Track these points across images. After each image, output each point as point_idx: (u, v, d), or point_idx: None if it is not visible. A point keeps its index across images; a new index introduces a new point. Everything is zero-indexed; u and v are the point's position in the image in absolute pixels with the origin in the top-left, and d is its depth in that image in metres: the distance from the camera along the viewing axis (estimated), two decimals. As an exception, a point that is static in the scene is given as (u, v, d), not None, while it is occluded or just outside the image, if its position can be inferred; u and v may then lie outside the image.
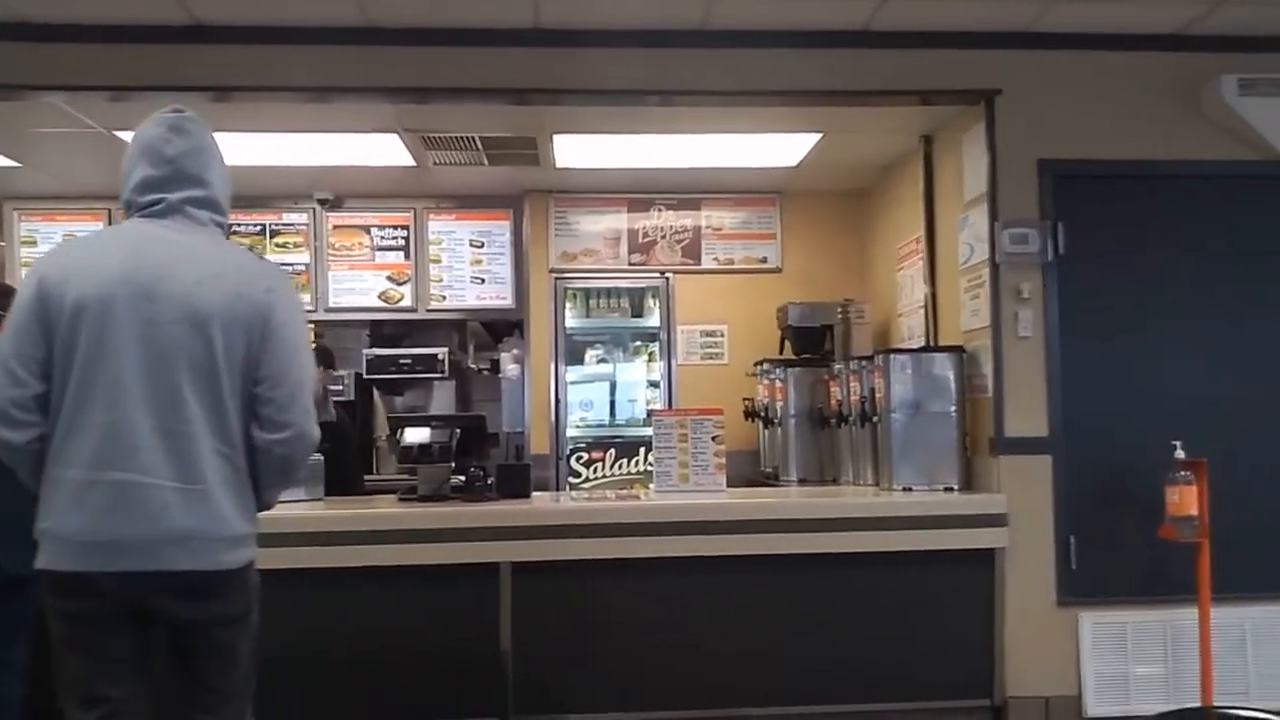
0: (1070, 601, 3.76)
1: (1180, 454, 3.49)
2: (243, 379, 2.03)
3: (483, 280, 5.53)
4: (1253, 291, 3.90)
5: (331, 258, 5.48)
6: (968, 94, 3.90)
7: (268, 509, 2.16)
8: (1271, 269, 3.91)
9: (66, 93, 3.69)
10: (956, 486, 3.85)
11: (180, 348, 1.97)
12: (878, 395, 4.00)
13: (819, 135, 4.54)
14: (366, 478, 5.46)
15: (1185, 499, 3.45)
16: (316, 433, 2.11)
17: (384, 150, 4.60)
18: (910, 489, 3.85)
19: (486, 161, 4.84)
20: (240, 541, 2.04)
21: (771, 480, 4.85)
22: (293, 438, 2.06)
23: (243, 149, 4.55)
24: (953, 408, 3.90)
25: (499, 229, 5.56)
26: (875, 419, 4.03)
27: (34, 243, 5.32)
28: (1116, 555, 3.76)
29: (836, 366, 4.49)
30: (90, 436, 1.94)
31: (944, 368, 3.93)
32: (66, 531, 1.94)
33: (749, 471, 5.05)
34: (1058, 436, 3.78)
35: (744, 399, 5.10)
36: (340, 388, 5.37)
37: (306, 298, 5.44)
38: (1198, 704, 3.57)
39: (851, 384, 4.26)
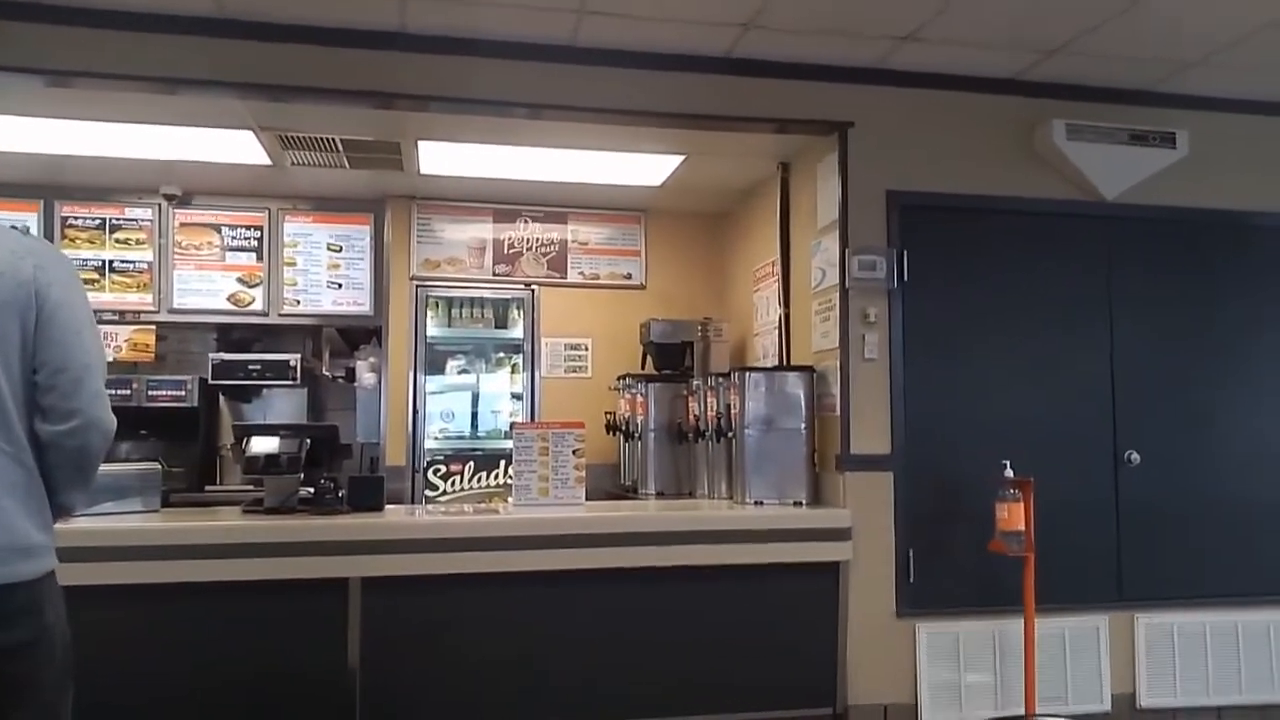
0: (909, 613, 3.93)
1: (1009, 473, 3.71)
2: (21, 368, 1.85)
3: (340, 285, 5.35)
4: (1075, 320, 4.18)
5: (178, 257, 5.19)
6: (822, 124, 4.03)
7: (68, 513, 1.99)
8: (1091, 300, 4.20)
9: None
10: (805, 501, 3.95)
11: None
12: (733, 411, 4.08)
13: (682, 157, 4.61)
14: (209, 488, 5.20)
15: (1013, 515, 3.67)
16: (111, 420, 1.94)
17: (238, 147, 4.41)
18: (762, 503, 3.94)
19: (347, 164, 4.70)
20: (31, 552, 1.84)
21: (631, 494, 4.87)
22: (82, 426, 1.88)
23: (83, 138, 4.28)
24: (803, 425, 4.01)
25: (359, 233, 5.39)
26: (731, 434, 4.10)
27: None
28: (951, 568, 3.94)
29: (695, 383, 4.56)
30: None
31: (796, 386, 4.04)
32: None
33: (609, 485, 5.07)
34: (899, 454, 3.95)
35: (606, 413, 5.12)
36: (183, 393, 5.10)
37: (149, 298, 5.14)
38: (1022, 711, 3.79)
39: (709, 400, 4.32)
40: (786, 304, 4.54)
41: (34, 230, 4.97)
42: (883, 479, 3.93)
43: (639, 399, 4.83)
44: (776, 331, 4.61)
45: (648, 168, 4.80)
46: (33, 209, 5.04)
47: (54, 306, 1.88)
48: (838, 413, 3.95)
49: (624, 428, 4.97)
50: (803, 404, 4.02)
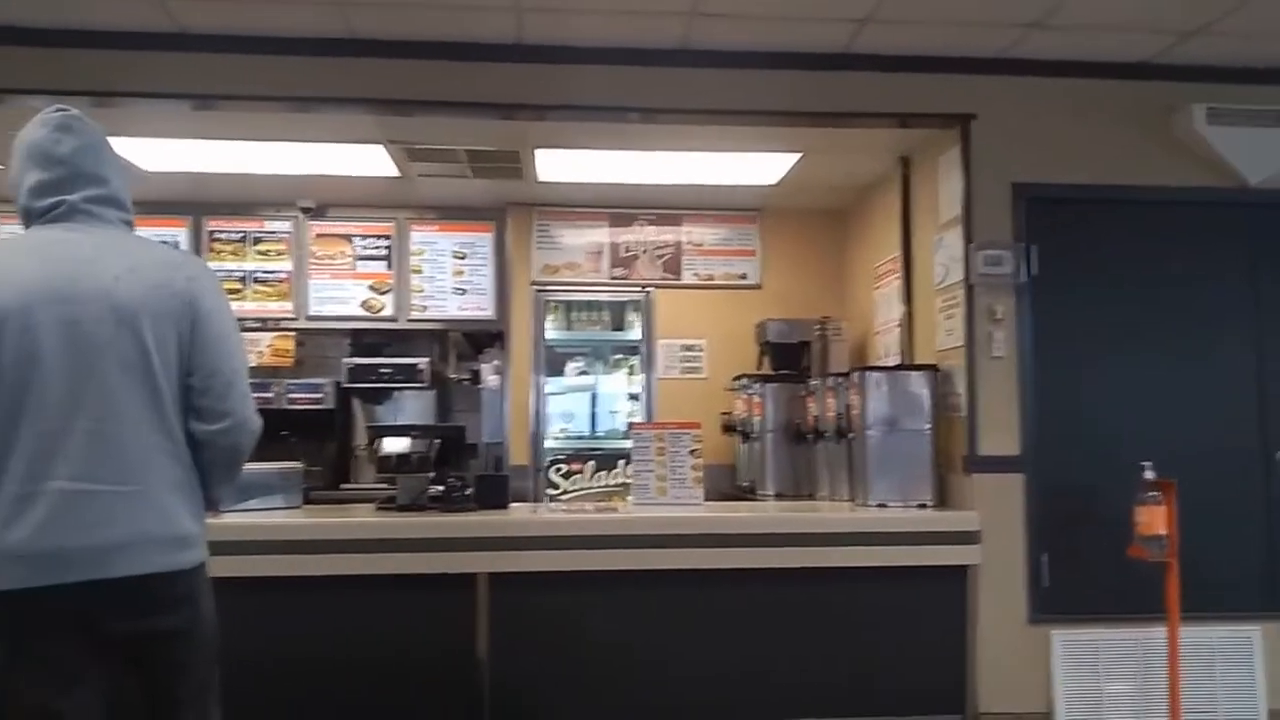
0: (1042, 618, 3.78)
1: (1150, 474, 3.52)
2: (178, 372, 1.97)
3: (464, 291, 5.52)
4: (1219, 315, 3.95)
5: (313, 266, 5.45)
6: (944, 118, 3.93)
7: (216, 507, 2.10)
8: (1235, 291, 3.96)
9: (48, 96, 3.63)
10: (930, 503, 3.87)
11: (107, 346, 1.90)
12: (854, 412, 4.02)
13: (799, 155, 4.56)
14: (344, 486, 5.43)
15: (1154, 519, 3.48)
16: (258, 420, 2.06)
17: (368, 160, 4.60)
18: (885, 505, 3.86)
19: (470, 174, 4.84)
20: (188, 542, 1.96)
21: (748, 494, 4.85)
22: (233, 426, 2.00)
23: (225, 156, 4.54)
24: (927, 425, 3.92)
25: (481, 241, 5.55)
26: (851, 435, 4.04)
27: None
28: (1087, 573, 3.78)
29: (814, 383, 4.51)
30: (23, 450, 1.86)
31: (919, 386, 3.95)
32: (4, 548, 1.85)
33: (726, 485, 5.05)
34: (1029, 455, 3.81)
35: (722, 413, 5.11)
36: (321, 395, 5.35)
37: (288, 306, 5.42)
38: (1165, 721, 3.60)
39: (828, 400, 4.27)
40: (909, 301, 4.44)
41: (183, 245, 5.31)
42: (1012, 481, 3.80)
43: (756, 399, 4.80)
44: (899, 330, 4.52)
45: (763, 167, 4.77)
46: (182, 225, 5.39)
47: (206, 315, 2.00)
48: (964, 413, 3.84)
49: (741, 428, 4.95)
50: (927, 404, 3.93)
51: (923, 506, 3.85)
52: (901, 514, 3.79)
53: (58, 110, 2.07)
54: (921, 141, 4.27)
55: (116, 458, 1.90)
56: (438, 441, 3.75)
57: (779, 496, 4.66)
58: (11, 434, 1.87)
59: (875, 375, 4.00)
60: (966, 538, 3.69)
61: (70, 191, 2.01)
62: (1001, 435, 3.81)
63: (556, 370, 5.55)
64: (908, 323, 4.44)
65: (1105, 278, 3.91)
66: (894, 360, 4.54)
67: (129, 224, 2.10)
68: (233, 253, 5.42)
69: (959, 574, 3.69)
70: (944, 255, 4.06)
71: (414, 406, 5.73)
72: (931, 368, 4.02)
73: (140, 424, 1.92)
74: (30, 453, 1.87)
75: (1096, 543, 3.74)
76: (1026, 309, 3.86)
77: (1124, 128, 3.92)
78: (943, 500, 3.92)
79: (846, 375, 4.17)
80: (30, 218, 2.04)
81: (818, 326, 5.03)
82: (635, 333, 5.53)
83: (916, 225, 4.43)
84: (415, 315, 5.48)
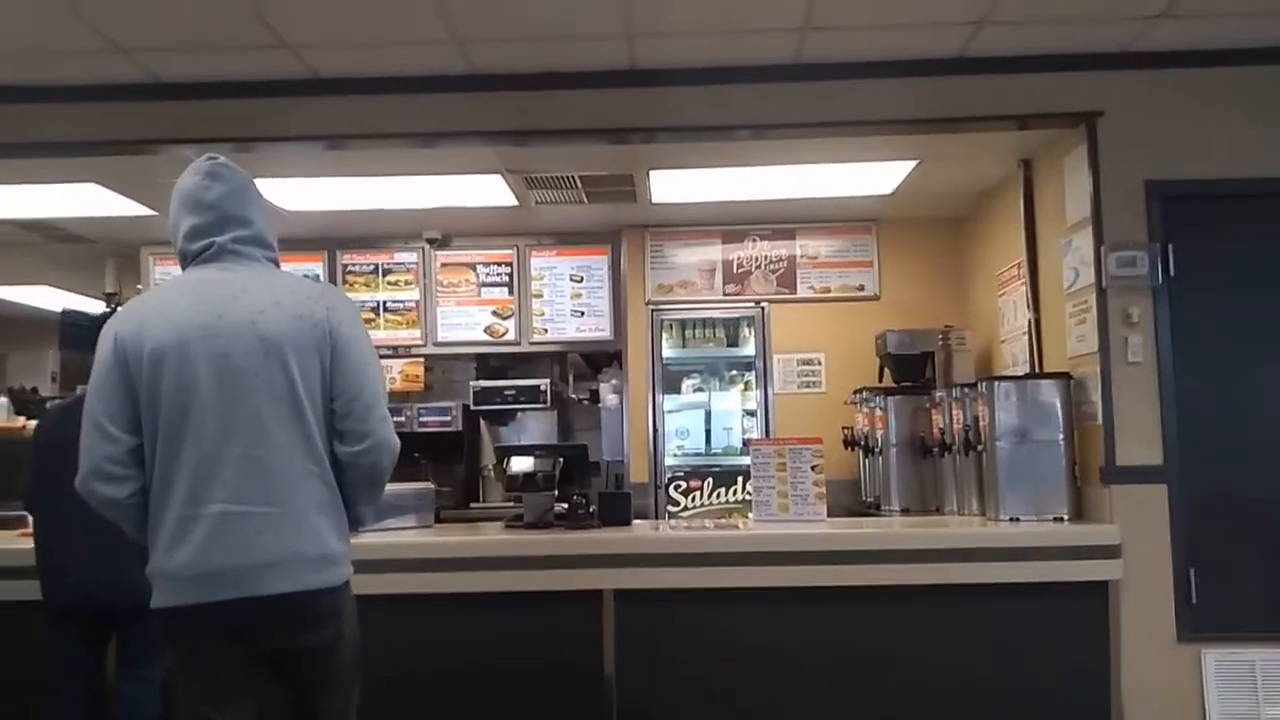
0: (1192, 637, 3.56)
1: (1309, 483, 3.28)
2: (322, 398, 2.06)
3: (582, 313, 5.61)
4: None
5: (440, 294, 5.64)
6: (1068, 117, 3.79)
7: (359, 526, 2.19)
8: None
9: (196, 145, 3.91)
10: (1066, 516, 3.71)
11: (255, 375, 2.01)
12: (982, 423, 3.90)
13: (915, 162, 4.47)
14: (473, 505, 5.58)
15: (1316, 531, 3.24)
16: (396, 441, 2.14)
17: (488, 191, 4.73)
18: (1018, 519, 3.73)
19: (585, 199, 4.92)
20: (334, 560, 2.05)
21: (873, 510, 4.76)
22: (374, 447, 2.08)
23: (356, 193, 4.75)
24: (1060, 435, 3.76)
25: (597, 264, 5.64)
26: (980, 447, 3.92)
27: (169, 286, 5.63)
28: (1242, 589, 3.55)
29: (938, 394, 4.40)
30: (183, 476, 1.98)
31: (1050, 395, 3.80)
32: (171, 568, 1.98)
33: (849, 501, 4.97)
34: (1173, 465, 3.60)
35: (843, 428, 5.03)
36: (449, 418, 5.51)
37: (417, 333, 5.62)
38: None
39: (954, 412, 4.15)
40: (1036, 308, 4.29)
41: (321, 278, 5.59)
42: (1155, 492, 3.59)
43: (878, 413, 4.71)
44: (1026, 337, 4.37)
45: (878, 176, 4.70)
46: (318, 259, 5.67)
47: (345, 342, 2.11)
48: (1099, 421, 3.66)
49: (863, 443, 4.87)
50: (1059, 413, 3.77)
51: (1058, 520, 3.70)
52: (1036, 528, 3.65)
53: (208, 159, 2.21)
54: (1043, 142, 4.13)
55: (267, 481, 2.00)
56: (561, 460, 3.80)
57: (905, 512, 4.55)
58: (175, 461, 2.00)
59: (1004, 385, 3.88)
60: (1106, 552, 3.51)
61: (220, 234, 2.14)
62: (1141, 444, 3.62)
63: (673, 388, 5.57)
64: (1035, 330, 4.28)
65: (1248, 276, 3.68)
66: (1022, 369, 4.39)
67: (274, 261, 2.22)
68: (365, 284, 5.66)
69: (1099, 590, 3.52)
70: (1073, 258, 3.90)
71: (537, 426, 5.85)
72: (1063, 376, 3.85)
73: (288, 449, 2.02)
74: (189, 479, 1.99)
75: (1250, 556, 3.52)
76: (1164, 311, 3.66)
77: (1266, 117, 3.68)
78: (1079, 513, 3.75)
79: (973, 386, 4.05)
80: (186, 260, 2.19)
81: (940, 336, 4.90)
82: (750, 348, 5.50)
83: (1041, 229, 4.29)
84: (536, 338, 5.60)
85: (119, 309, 2.43)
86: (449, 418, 5.51)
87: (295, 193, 4.71)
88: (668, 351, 5.52)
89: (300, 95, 3.81)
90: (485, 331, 5.61)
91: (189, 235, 2.17)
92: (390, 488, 2.44)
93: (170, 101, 3.80)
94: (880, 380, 5.07)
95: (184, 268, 2.19)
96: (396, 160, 4.25)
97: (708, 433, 5.55)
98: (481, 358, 5.79)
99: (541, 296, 5.62)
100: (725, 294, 5.53)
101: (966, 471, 4.09)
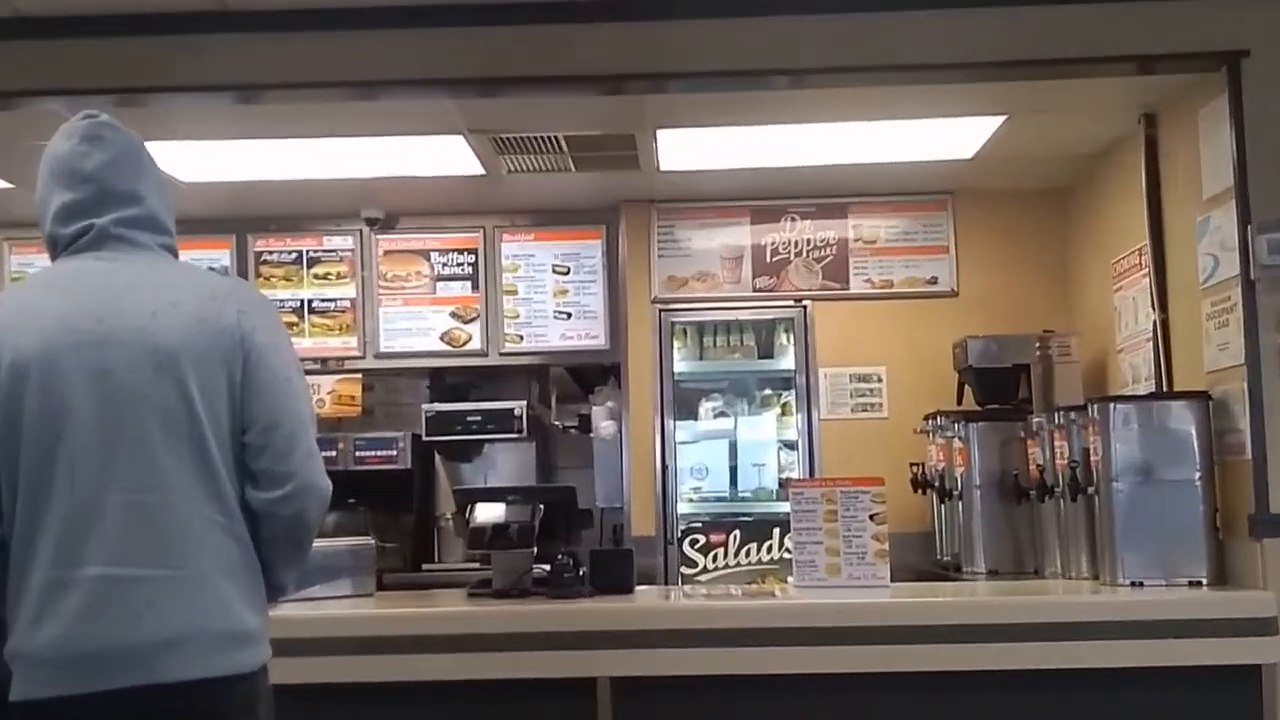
0: (1375, 741, 3.55)
1: None
2: (230, 427, 2.06)
3: (569, 315, 5.62)
4: None
5: (383, 291, 5.66)
6: (1203, 57, 3.81)
7: (280, 595, 2.19)
8: None
9: (67, 97, 3.92)
10: (1205, 580, 3.72)
11: (145, 398, 2.00)
12: (1093, 458, 3.90)
13: (1003, 118, 4.50)
14: (426, 566, 5.57)
15: None
16: (327, 483, 2.14)
17: (446, 156, 4.75)
18: (1141, 583, 3.73)
19: (573, 167, 4.94)
20: (248, 638, 2.05)
21: (951, 572, 4.78)
22: (299, 491, 2.08)
23: (274, 160, 4.77)
24: (1197, 474, 3.77)
25: (588, 250, 5.65)
26: (1090, 490, 3.92)
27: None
28: None
29: (1035, 420, 4.40)
30: (52, 529, 1.96)
31: (1183, 420, 3.81)
32: (34, 649, 1.95)
33: (919, 560, 4.99)
34: (1347, 513, 3.61)
35: (911, 464, 5.03)
36: (395, 452, 5.51)
37: (352, 341, 5.63)
38: None
39: (1056, 443, 4.15)
40: (1164, 307, 4.32)
41: (230, 270, 5.60)
42: (1323, 548, 3.59)
43: (956, 444, 4.73)
44: (1150, 345, 4.41)
45: (954, 137, 4.72)
46: (225, 246, 5.68)
47: (260, 353, 2.10)
48: (1247, 455, 3.68)
49: (937, 483, 4.88)
50: (1194, 445, 3.78)
51: (1195, 584, 3.71)
52: (1165, 595, 3.65)
53: (85, 117, 2.20)
54: (1171, 92, 4.16)
55: (161, 536, 1.99)
56: (541, 508, 3.80)
57: (992, 574, 4.57)
58: (38, 510, 1.99)
59: (1122, 408, 3.89)
60: (1258, 627, 3.49)
61: (100, 214, 2.13)
62: (1305, 485, 3.62)
63: (688, 412, 5.58)
64: (1163, 335, 4.31)
65: None
66: (1147, 386, 4.43)
67: (170, 249, 2.22)
68: (285, 278, 5.68)
69: (1249, 676, 3.49)
70: (1211, 242, 3.92)
71: (510, 463, 5.85)
72: (1200, 395, 3.87)
73: (187, 493, 2.01)
74: (60, 532, 1.97)
75: None
76: (1332, 311, 3.68)
77: None
78: (1222, 576, 3.76)
79: (1081, 409, 4.06)
80: (57, 247, 2.18)
81: (1037, 344, 4.92)
82: (788, 360, 5.52)
83: (1170, 204, 4.32)
84: (510, 348, 5.61)
85: None
86: (395, 452, 5.51)
87: (196, 160, 4.72)
88: (680, 364, 5.53)
89: (204, 33, 3.81)
90: (442, 339, 5.62)
91: (61, 216, 2.16)
92: (319, 544, 2.43)
93: (35, 41, 3.79)
94: (959, 402, 5.09)
95: (54, 258, 2.20)
96: (327, 117, 4.26)
97: (733, 471, 5.56)
98: (437, 373, 5.80)
99: (516, 293, 5.63)
100: (756, 289, 5.55)
101: (1073, 521, 4.09)
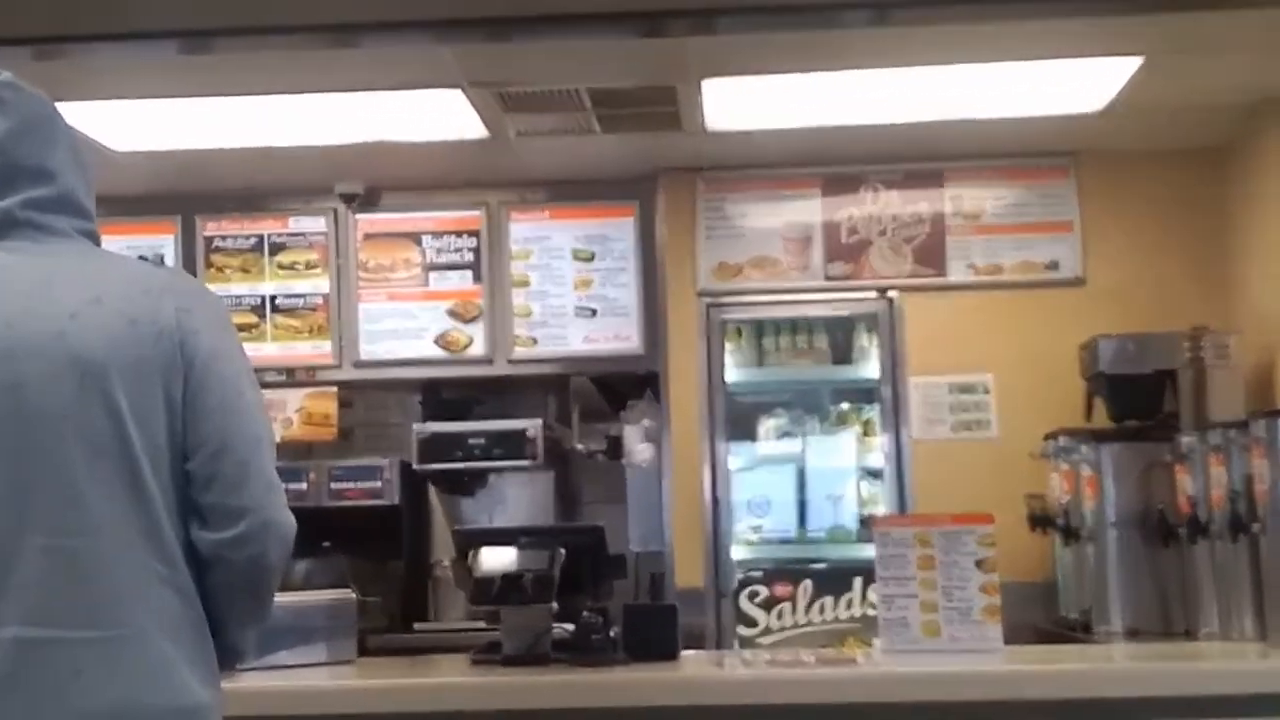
0: None
1: None
2: (170, 453, 2.07)
3: (594, 312, 5.63)
4: None
5: (364, 283, 5.68)
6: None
7: (239, 658, 2.19)
8: None
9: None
10: None
11: (64, 419, 2.00)
12: (1259, 487, 3.87)
13: (1138, 60, 4.48)
14: (419, 626, 5.59)
15: None
16: (290, 520, 2.13)
17: (440, 115, 4.78)
18: (1322, 647, 3.71)
19: (597, 127, 4.96)
20: (197, 714, 2.05)
21: (1079, 632, 4.77)
22: (254, 530, 2.07)
23: (230, 124, 4.80)
24: (1393, 508, 3.73)
25: (618, 231, 5.66)
26: (1256, 528, 3.89)
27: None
28: None
29: (1185, 440, 4.38)
30: None
31: (1374, 441, 3.77)
32: None
33: (1039, 617, 5.01)
34: None
35: (1028, 496, 5.03)
36: (379, 484, 5.52)
37: (326, 347, 5.65)
38: None
39: (1213, 469, 4.14)
40: (1346, 296, 4.27)
41: (170, 260, 5.64)
42: None
43: (1085, 472, 4.73)
44: (1328, 345, 4.35)
45: (1077, 85, 4.73)
46: (168, 230, 5.75)
47: (206, 360, 2.10)
48: None
49: (1062, 521, 4.87)
50: (1389, 472, 3.74)
51: (1394, 649, 3.67)
52: (1352, 663, 3.61)
53: None
54: (1354, 23, 4.11)
55: (88, 589, 1.99)
56: (562, 553, 3.80)
57: (1132, 635, 4.59)
58: None
59: (1295, 425, 3.85)
60: None
61: (3, 196, 2.14)
62: None
63: (744, 433, 5.59)
64: (1347, 333, 4.26)
65: None
66: (1325, 397, 4.38)
67: (92, 235, 2.23)
68: (242, 268, 5.72)
69: None
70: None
71: (522, 498, 5.86)
72: (1396, 409, 3.83)
73: (120, 535, 2.01)
74: None
75: None
76: None
77: None
78: None
79: (1243, 426, 4.03)
80: None
81: (1188, 345, 4.90)
82: (870, 367, 5.53)
83: (1354, 166, 4.27)
84: (520, 353, 5.62)
85: None
86: (379, 484, 5.53)
87: (131, 124, 4.76)
88: (734, 373, 5.54)
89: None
90: (437, 343, 5.64)
91: None
92: (287, 599, 2.43)
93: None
94: (1088, 419, 5.07)
95: None
96: (294, 70, 4.29)
97: (802, 505, 5.56)
98: (431, 386, 5.82)
99: (528, 285, 5.64)
100: (829, 278, 5.55)
101: (1234, 568, 4.07)
